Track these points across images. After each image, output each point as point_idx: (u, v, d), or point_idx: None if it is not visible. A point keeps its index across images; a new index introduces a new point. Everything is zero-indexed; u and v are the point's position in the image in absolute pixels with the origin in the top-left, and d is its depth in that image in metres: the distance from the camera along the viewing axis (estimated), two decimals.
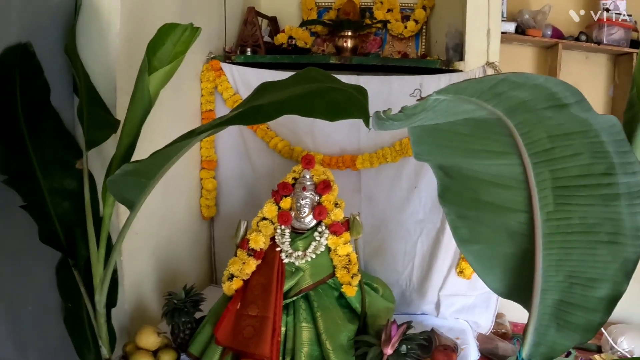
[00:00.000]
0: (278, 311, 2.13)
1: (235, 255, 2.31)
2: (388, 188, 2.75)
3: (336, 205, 2.32)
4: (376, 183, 2.76)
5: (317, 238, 2.27)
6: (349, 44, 3.00)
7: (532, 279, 1.55)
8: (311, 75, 1.65)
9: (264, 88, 1.61)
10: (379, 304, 2.37)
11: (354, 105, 1.50)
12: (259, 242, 2.27)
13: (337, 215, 2.29)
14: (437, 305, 2.76)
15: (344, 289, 2.23)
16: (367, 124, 1.44)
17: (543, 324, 1.58)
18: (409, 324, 2.10)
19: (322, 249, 2.26)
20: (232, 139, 2.91)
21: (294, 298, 2.22)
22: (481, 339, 2.73)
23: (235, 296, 2.23)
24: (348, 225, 2.28)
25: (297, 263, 2.24)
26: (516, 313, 2.88)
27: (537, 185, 1.47)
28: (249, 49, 3.00)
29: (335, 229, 2.26)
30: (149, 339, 2.22)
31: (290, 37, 3.14)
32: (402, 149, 2.65)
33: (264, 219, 2.35)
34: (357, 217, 2.26)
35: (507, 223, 1.57)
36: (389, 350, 1.98)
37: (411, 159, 2.65)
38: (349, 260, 2.25)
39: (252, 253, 2.28)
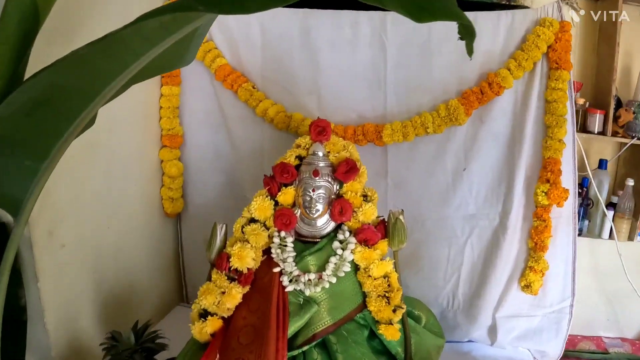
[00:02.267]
0: None
1: (209, 279, 1.49)
2: (426, 171, 1.96)
3: (365, 198, 1.48)
4: (409, 164, 1.96)
5: (339, 251, 1.43)
6: None
7: None
8: None
9: None
10: (428, 342, 1.58)
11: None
12: (245, 258, 1.45)
13: (368, 213, 1.48)
14: (492, 331, 2.02)
15: (383, 330, 1.41)
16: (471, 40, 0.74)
17: None
18: None
19: (347, 268, 1.42)
20: (204, 104, 2.10)
21: (305, 348, 1.39)
22: None
23: (211, 345, 1.40)
24: (385, 229, 1.43)
25: (308, 292, 1.41)
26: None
27: None
28: None
29: (366, 236, 1.44)
30: None
31: None
32: (449, 115, 1.84)
33: (253, 221, 1.52)
34: (401, 217, 1.41)
35: None
36: None
37: (461, 129, 1.90)
38: (389, 285, 1.40)
39: (236, 276, 1.45)
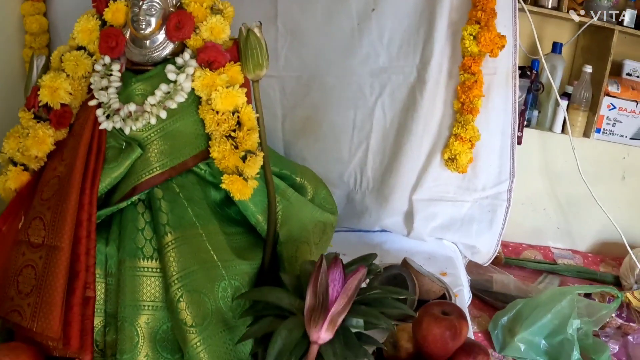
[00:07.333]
0: (87, 234, 0.94)
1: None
2: (326, 12, 1.49)
3: (214, 10, 1.07)
4: (305, 4, 1.49)
5: (171, 76, 1.04)
6: None
7: None
8: None
9: None
10: (303, 212, 1.20)
11: None
12: (58, 90, 1.05)
13: (217, 29, 1.07)
14: (408, 217, 1.61)
15: (227, 184, 1.01)
16: None
17: None
18: (371, 266, 0.95)
19: (181, 98, 1.03)
20: None
21: (122, 205, 1.00)
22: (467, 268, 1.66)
23: (10, 203, 1.05)
24: (237, 49, 1.05)
25: (128, 130, 1.02)
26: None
27: None
28: None
29: (209, 57, 1.04)
30: None
31: None
32: None
33: (77, 48, 1.10)
34: (256, 30, 0.99)
35: None
36: (322, 334, 0.79)
37: None
38: (239, 123, 1.03)
39: (46, 114, 1.06)
